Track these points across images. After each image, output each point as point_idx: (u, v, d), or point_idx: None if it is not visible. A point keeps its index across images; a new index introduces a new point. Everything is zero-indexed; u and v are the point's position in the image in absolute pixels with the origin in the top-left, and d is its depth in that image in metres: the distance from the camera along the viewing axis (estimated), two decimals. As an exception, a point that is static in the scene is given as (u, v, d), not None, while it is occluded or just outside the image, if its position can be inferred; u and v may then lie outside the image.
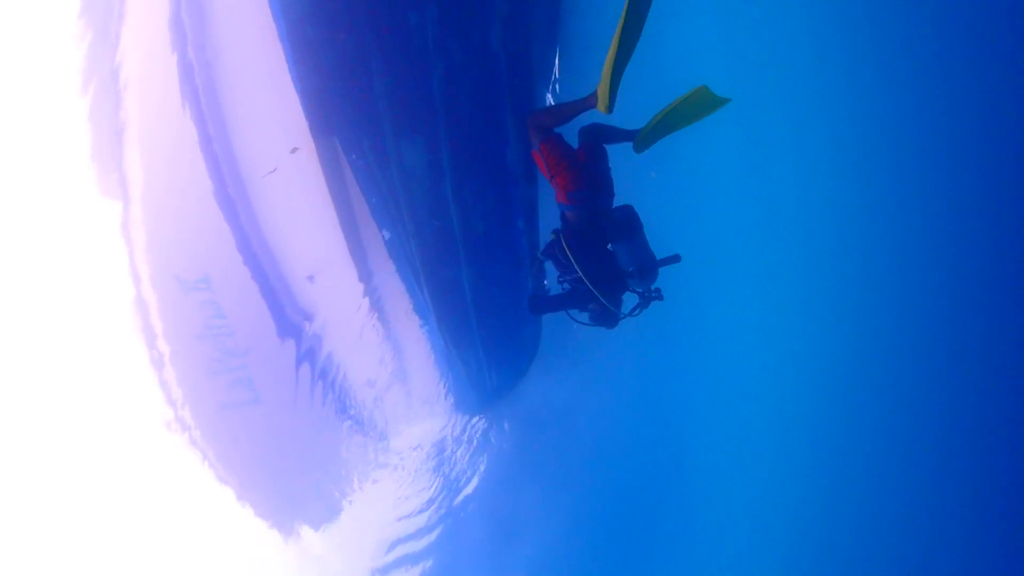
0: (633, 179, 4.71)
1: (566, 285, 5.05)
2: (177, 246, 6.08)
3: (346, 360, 7.24)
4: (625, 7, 4.13)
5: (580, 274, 4.56)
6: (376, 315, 6.74)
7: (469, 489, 10.54)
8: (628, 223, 4.51)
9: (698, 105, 4.65)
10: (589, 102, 4.70)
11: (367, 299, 6.54)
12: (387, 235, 6.01)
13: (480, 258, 6.15)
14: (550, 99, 6.86)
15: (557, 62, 6.79)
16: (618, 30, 4.23)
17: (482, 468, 10.39)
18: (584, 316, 5.09)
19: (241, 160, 5.80)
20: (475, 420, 9.55)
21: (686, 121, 4.74)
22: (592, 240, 4.65)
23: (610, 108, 4.58)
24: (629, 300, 4.98)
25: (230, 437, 7.42)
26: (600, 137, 4.94)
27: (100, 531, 9.87)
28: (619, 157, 4.82)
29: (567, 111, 4.87)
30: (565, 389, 9.87)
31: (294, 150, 5.98)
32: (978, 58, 7.24)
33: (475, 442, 10.13)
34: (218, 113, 5.66)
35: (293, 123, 5.43)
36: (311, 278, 6.37)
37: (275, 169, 5.99)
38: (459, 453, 10.37)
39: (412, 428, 8.78)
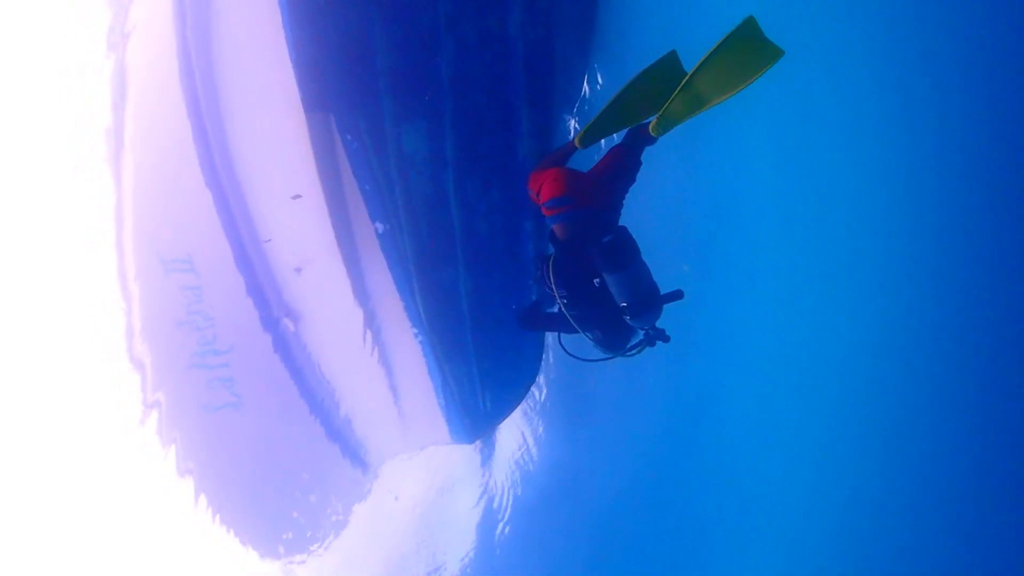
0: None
1: (559, 308, 4.48)
2: (160, 221, 5.82)
3: (332, 369, 6.74)
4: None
5: (560, 305, 4.02)
6: (365, 318, 6.24)
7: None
8: (614, 251, 3.78)
9: (739, 57, 3.63)
10: (569, 146, 4.32)
11: (356, 299, 6.08)
12: (380, 227, 5.56)
13: (480, 261, 5.64)
14: (573, 124, 6.35)
15: (585, 84, 6.27)
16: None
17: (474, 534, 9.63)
18: (584, 349, 4.53)
19: (230, 132, 5.52)
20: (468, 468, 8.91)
21: (718, 89, 3.68)
22: (581, 269, 3.99)
23: (584, 144, 4.20)
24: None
25: (208, 441, 6.97)
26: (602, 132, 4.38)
27: (62, 533, 9.64)
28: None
29: (557, 156, 4.48)
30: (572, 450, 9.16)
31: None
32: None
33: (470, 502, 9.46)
34: (211, 84, 5.43)
35: (286, 96, 5.14)
36: (298, 270, 5.97)
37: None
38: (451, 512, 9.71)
39: (400, 463, 8.16)
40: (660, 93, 3.98)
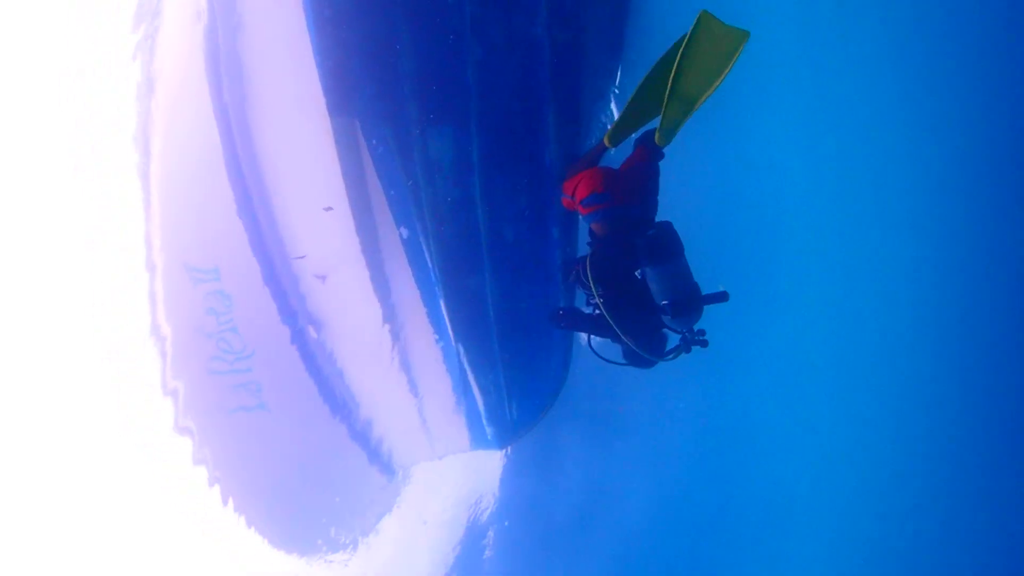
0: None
1: (593, 309, 4.36)
2: (189, 231, 5.81)
3: (356, 375, 6.67)
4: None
5: (598, 303, 3.92)
6: (388, 325, 6.17)
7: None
8: (661, 243, 3.77)
9: (709, 50, 3.78)
10: (600, 146, 4.44)
11: (380, 306, 6.00)
12: (405, 233, 5.48)
13: (507, 268, 5.53)
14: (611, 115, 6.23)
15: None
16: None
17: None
18: (613, 352, 4.42)
19: (256, 133, 5.47)
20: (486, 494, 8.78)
21: (702, 85, 3.82)
22: (622, 263, 4.00)
23: (614, 142, 4.28)
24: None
25: (233, 443, 6.96)
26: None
27: (93, 541, 9.71)
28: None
29: (589, 157, 4.63)
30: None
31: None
32: None
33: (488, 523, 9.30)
34: (238, 87, 5.38)
35: (312, 100, 5.07)
36: (322, 277, 5.91)
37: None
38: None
39: (423, 471, 8.07)
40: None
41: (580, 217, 4.25)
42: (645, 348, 3.98)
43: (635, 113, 4.28)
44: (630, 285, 3.97)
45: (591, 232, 4.27)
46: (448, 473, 8.20)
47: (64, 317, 7.36)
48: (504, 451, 7.47)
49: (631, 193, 4.08)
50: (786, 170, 7.62)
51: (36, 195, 7.00)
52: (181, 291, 6.12)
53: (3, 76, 6.56)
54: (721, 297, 3.74)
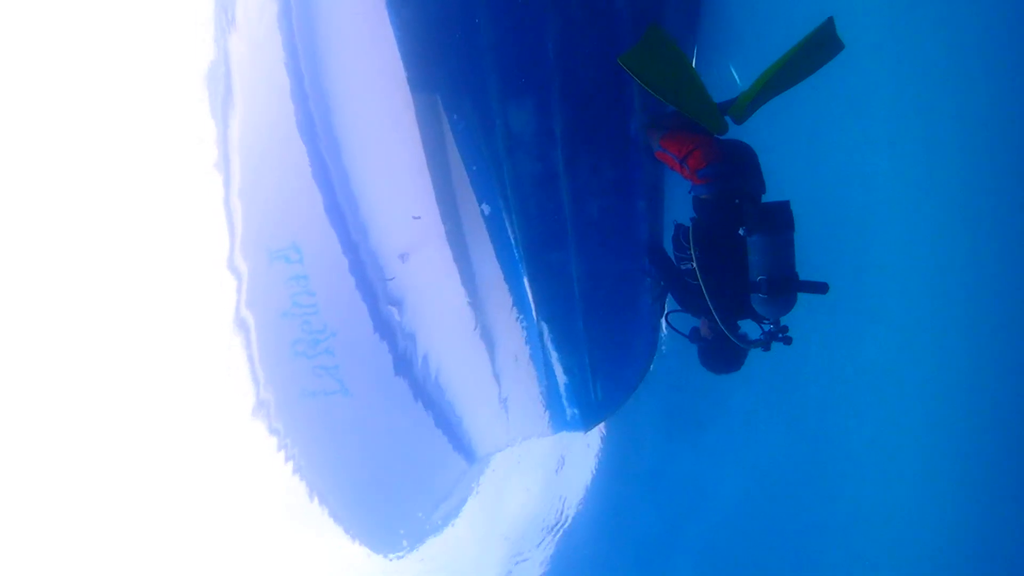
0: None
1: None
2: (268, 210, 5.86)
3: (438, 357, 6.62)
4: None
5: (693, 267, 3.89)
6: (471, 306, 6.10)
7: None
8: (775, 210, 3.70)
9: (815, 51, 4.04)
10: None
11: (463, 287, 5.94)
12: (487, 209, 5.40)
13: (592, 243, 5.41)
14: None
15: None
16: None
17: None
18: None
19: (336, 115, 5.48)
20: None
21: (794, 78, 4.06)
22: (726, 230, 3.90)
23: (723, 130, 4.11)
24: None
25: (314, 429, 7.01)
26: (667, 126, 4.50)
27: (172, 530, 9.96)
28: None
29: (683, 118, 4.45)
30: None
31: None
32: None
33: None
34: (314, 61, 5.39)
35: (392, 76, 5.04)
36: (404, 256, 5.88)
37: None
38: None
39: (506, 456, 7.96)
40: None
41: (690, 186, 4.15)
42: (727, 323, 3.91)
43: (771, 88, 4.12)
44: (730, 254, 3.84)
45: (696, 200, 4.15)
46: (528, 456, 8.12)
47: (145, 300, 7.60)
48: (586, 435, 7.31)
49: (741, 160, 4.00)
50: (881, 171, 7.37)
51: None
52: (261, 269, 6.23)
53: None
54: (819, 288, 3.60)
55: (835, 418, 9.04)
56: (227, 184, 6.15)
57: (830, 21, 3.97)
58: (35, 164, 8.38)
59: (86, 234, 8.47)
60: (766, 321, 3.94)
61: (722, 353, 4.30)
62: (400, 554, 8.54)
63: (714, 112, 4.03)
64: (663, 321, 5.26)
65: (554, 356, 6.02)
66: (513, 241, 5.45)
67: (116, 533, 10.25)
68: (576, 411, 6.46)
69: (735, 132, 4.23)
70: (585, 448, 8.41)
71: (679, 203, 4.89)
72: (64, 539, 10.27)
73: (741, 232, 3.84)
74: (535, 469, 9.12)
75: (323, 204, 5.71)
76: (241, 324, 6.46)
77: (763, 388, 8.26)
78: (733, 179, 3.90)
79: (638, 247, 5.35)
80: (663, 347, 6.58)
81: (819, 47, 3.99)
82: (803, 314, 3.87)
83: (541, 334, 5.91)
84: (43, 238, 8.80)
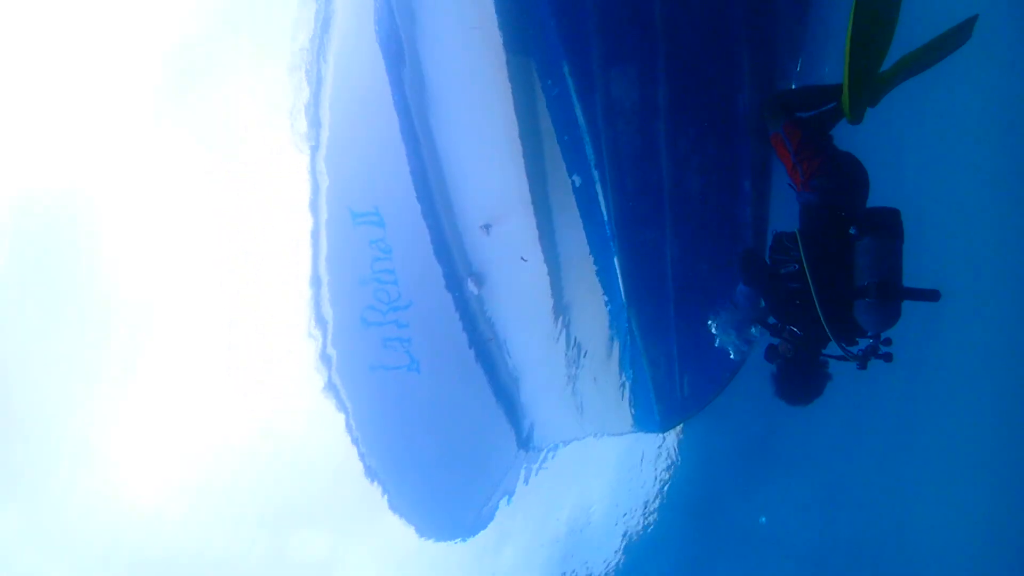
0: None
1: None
2: (352, 170, 5.75)
3: (514, 337, 6.35)
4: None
5: (803, 265, 3.63)
6: (553, 284, 5.81)
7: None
8: (888, 214, 3.60)
9: (945, 43, 4.02)
10: (835, 95, 4.18)
11: (546, 262, 5.67)
12: (578, 181, 5.13)
13: (691, 224, 5.10)
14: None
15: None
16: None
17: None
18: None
19: (427, 75, 5.32)
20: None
21: (921, 66, 4.07)
22: (835, 231, 3.75)
23: (858, 119, 4.03)
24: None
25: (380, 405, 6.84)
26: (793, 108, 4.36)
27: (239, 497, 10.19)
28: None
29: (813, 98, 4.41)
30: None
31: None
32: None
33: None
34: (409, 22, 5.24)
35: (487, 37, 4.85)
36: (487, 227, 5.66)
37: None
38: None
39: (571, 454, 7.59)
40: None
41: (796, 191, 4.03)
42: (833, 326, 3.58)
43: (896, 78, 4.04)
44: (838, 255, 3.63)
45: (803, 205, 3.98)
46: (598, 453, 7.80)
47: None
48: (665, 434, 6.93)
49: (853, 181, 3.90)
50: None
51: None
52: (341, 233, 6.14)
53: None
54: (931, 295, 3.38)
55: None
56: (314, 149, 6.13)
57: (975, 18, 3.96)
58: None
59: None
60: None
61: (800, 379, 3.99)
62: (454, 541, 8.38)
63: (868, 84, 3.89)
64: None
65: (641, 344, 5.67)
66: (605, 216, 5.15)
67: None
68: (660, 406, 6.07)
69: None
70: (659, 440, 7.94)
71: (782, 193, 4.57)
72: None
73: (852, 231, 3.72)
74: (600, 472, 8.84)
75: (408, 168, 5.61)
76: (315, 282, 6.38)
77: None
78: (840, 196, 3.81)
79: (740, 230, 4.98)
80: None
81: (951, 39, 4.00)
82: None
83: (628, 319, 5.59)
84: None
